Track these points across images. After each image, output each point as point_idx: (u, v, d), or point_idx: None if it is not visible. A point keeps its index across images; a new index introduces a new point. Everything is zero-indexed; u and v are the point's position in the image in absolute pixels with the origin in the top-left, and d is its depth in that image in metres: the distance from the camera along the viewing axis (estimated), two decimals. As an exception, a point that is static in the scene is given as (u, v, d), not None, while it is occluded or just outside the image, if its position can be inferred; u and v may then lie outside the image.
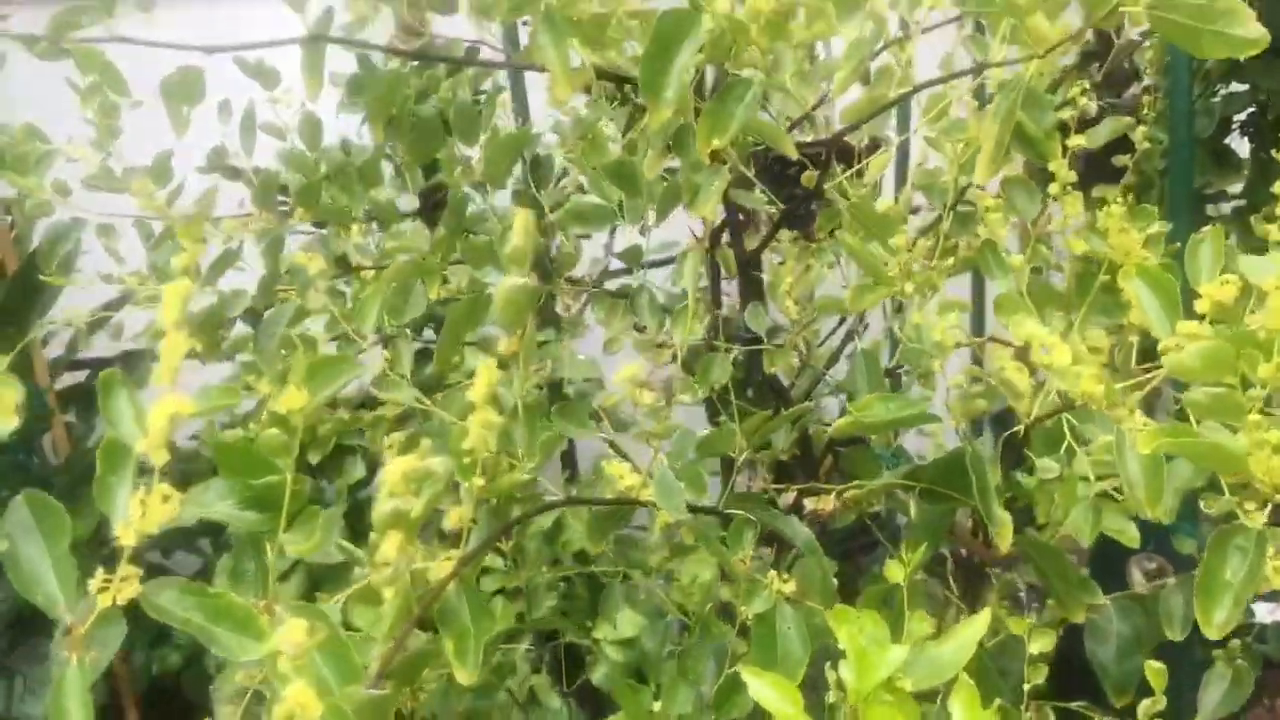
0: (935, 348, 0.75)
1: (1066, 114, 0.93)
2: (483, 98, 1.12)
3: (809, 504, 0.90)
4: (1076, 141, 0.91)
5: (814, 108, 1.03)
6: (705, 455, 0.88)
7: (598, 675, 1.29)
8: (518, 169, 1.16)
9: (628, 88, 0.98)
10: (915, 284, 0.83)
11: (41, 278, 1.08)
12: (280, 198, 1.03)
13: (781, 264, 1.17)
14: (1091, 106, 0.91)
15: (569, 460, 1.74)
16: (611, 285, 1.12)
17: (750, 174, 0.93)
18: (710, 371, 0.97)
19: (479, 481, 0.65)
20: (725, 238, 1.04)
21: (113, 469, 0.63)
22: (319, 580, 1.35)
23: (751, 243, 1.03)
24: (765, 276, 1.13)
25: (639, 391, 0.69)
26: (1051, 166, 0.86)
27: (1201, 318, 0.55)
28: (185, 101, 0.81)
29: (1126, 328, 0.78)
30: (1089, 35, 0.88)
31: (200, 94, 0.82)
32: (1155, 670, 0.77)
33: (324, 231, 1.01)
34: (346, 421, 1.05)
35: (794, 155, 0.86)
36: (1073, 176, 0.79)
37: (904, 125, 1.44)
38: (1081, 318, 0.78)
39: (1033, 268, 0.91)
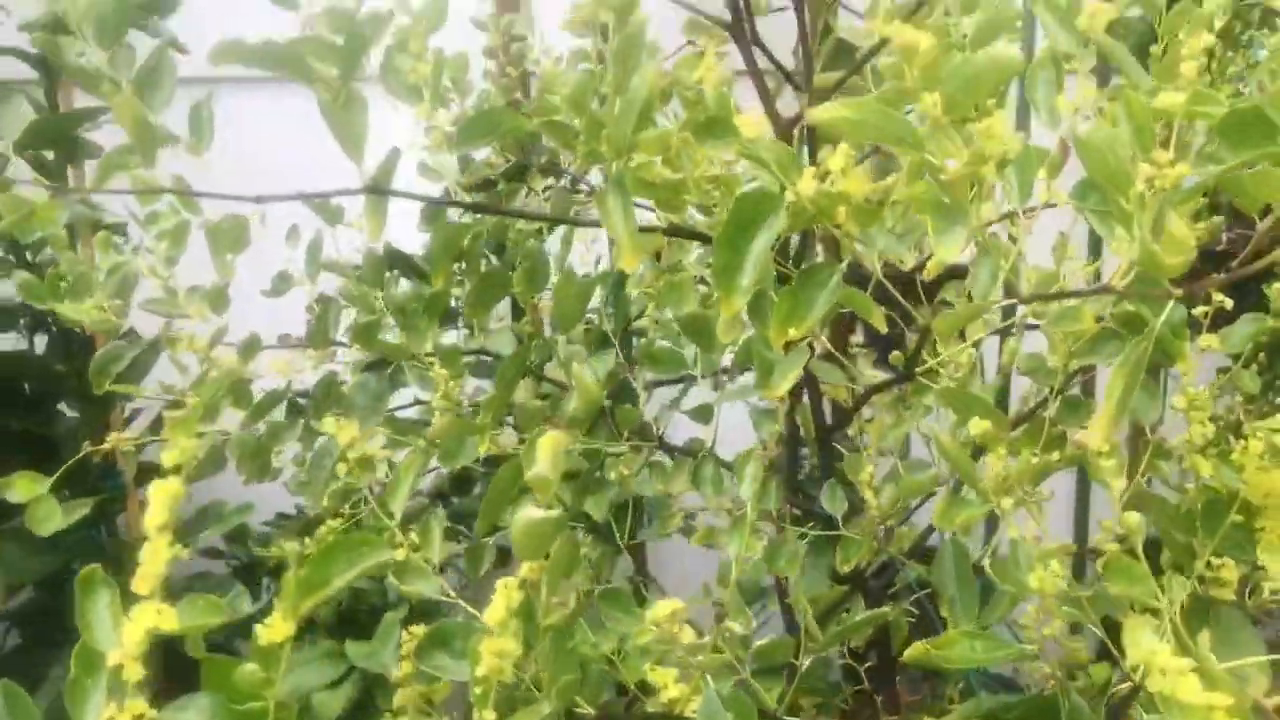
0: (1030, 588, 0.65)
1: (1199, 309, 0.83)
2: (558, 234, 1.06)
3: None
4: (1209, 341, 0.81)
5: (915, 270, 0.94)
6: (764, 664, 0.78)
7: None
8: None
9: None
10: (1013, 487, 0.73)
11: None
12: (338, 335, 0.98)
13: (870, 421, 1.08)
14: (1227, 302, 0.80)
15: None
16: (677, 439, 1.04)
17: (829, 347, 0.84)
18: (777, 560, 0.88)
19: (490, 716, 0.57)
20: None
21: (87, 673, 0.56)
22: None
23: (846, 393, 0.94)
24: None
25: (678, 629, 0.60)
26: (1179, 369, 0.76)
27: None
28: (231, 249, 0.77)
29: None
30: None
31: (246, 241, 0.77)
32: None
33: (373, 374, 0.95)
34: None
35: (884, 329, 0.78)
36: (1205, 395, 0.69)
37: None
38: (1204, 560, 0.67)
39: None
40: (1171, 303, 0.66)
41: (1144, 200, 0.49)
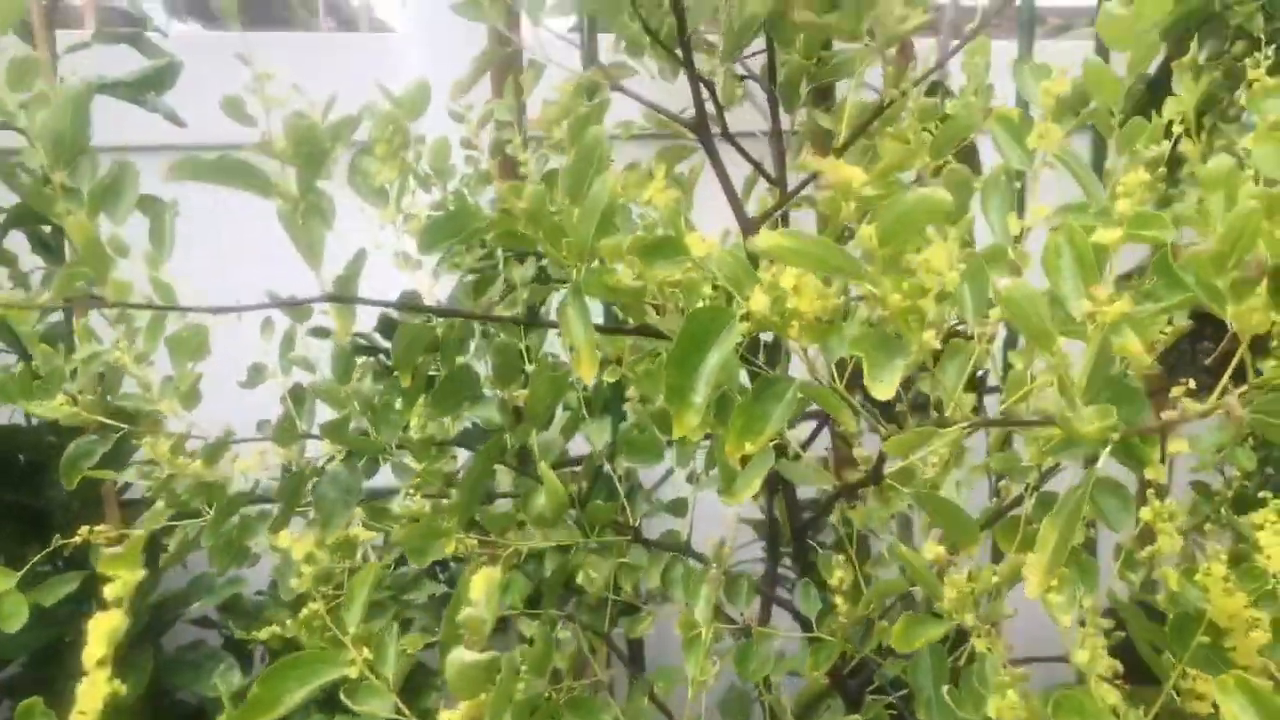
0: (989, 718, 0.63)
1: (1171, 413, 0.82)
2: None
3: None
4: (1179, 447, 0.80)
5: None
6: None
7: None
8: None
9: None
10: (979, 601, 0.72)
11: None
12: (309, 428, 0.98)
13: (853, 508, 1.07)
14: (1196, 407, 0.79)
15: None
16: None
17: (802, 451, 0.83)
18: (748, 663, 0.86)
19: None
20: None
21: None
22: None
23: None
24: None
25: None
26: (1149, 474, 0.75)
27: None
28: (192, 358, 0.77)
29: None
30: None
31: (206, 350, 0.77)
32: None
33: (340, 464, 0.94)
34: None
35: (854, 429, 0.77)
36: (1173, 507, 0.68)
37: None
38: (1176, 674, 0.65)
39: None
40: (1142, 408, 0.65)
41: (1091, 330, 0.49)
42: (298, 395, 1.05)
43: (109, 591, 0.63)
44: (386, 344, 1.45)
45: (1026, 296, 0.44)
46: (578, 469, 1.07)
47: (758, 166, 0.99)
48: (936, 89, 1.17)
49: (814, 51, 0.93)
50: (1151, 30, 0.57)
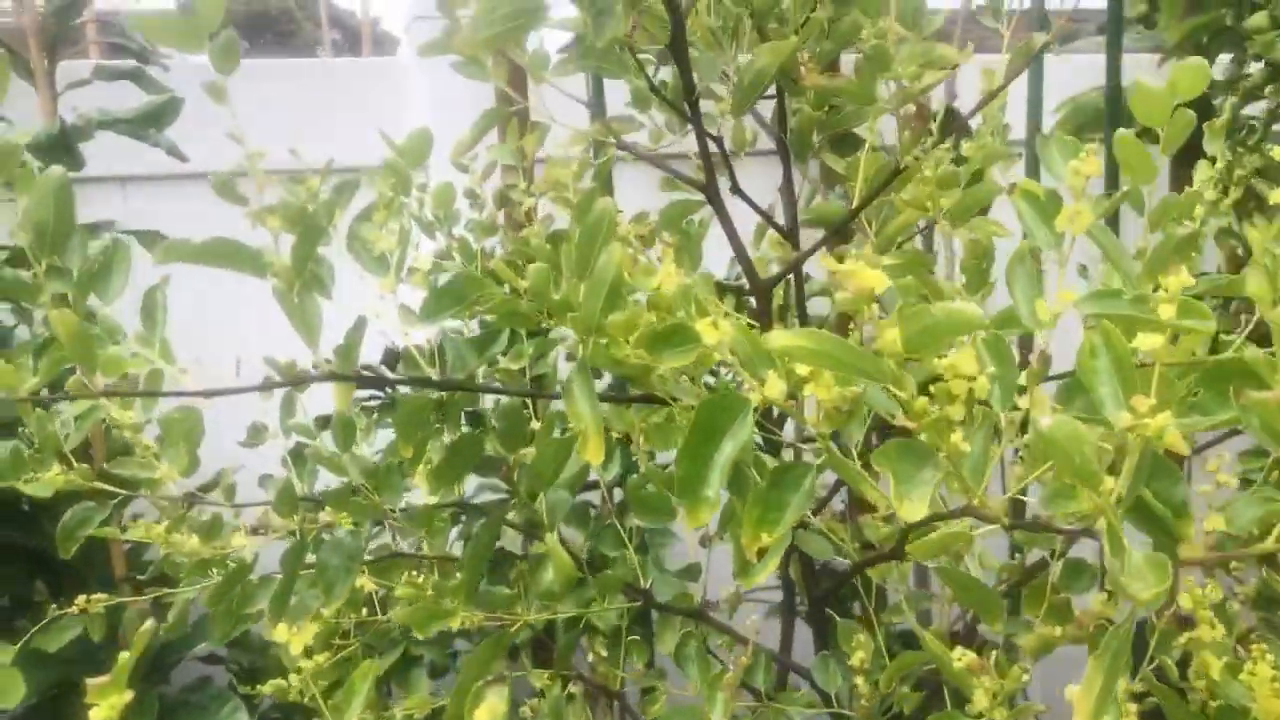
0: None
1: (1204, 487, 0.79)
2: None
3: None
4: (1215, 523, 0.76)
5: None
6: None
7: None
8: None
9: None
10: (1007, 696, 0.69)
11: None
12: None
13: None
14: (1233, 481, 0.76)
15: None
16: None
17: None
18: (765, 744, 0.83)
19: None
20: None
21: None
22: None
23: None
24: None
25: None
26: (1182, 554, 0.72)
27: None
28: (184, 441, 0.74)
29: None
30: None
31: (200, 433, 0.74)
32: None
33: (345, 532, 0.91)
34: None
35: (882, 505, 0.74)
36: (1217, 593, 0.65)
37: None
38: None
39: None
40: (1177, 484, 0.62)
41: (1131, 440, 0.46)
42: (298, 457, 1.03)
43: (94, 716, 0.61)
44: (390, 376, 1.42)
45: (1070, 435, 0.41)
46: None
47: (768, 219, 0.96)
48: (952, 116, 1.13)
49: (825, 102, 0.91)
50: (1186, 108, 0.54)
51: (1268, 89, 1.41)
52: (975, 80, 0.87)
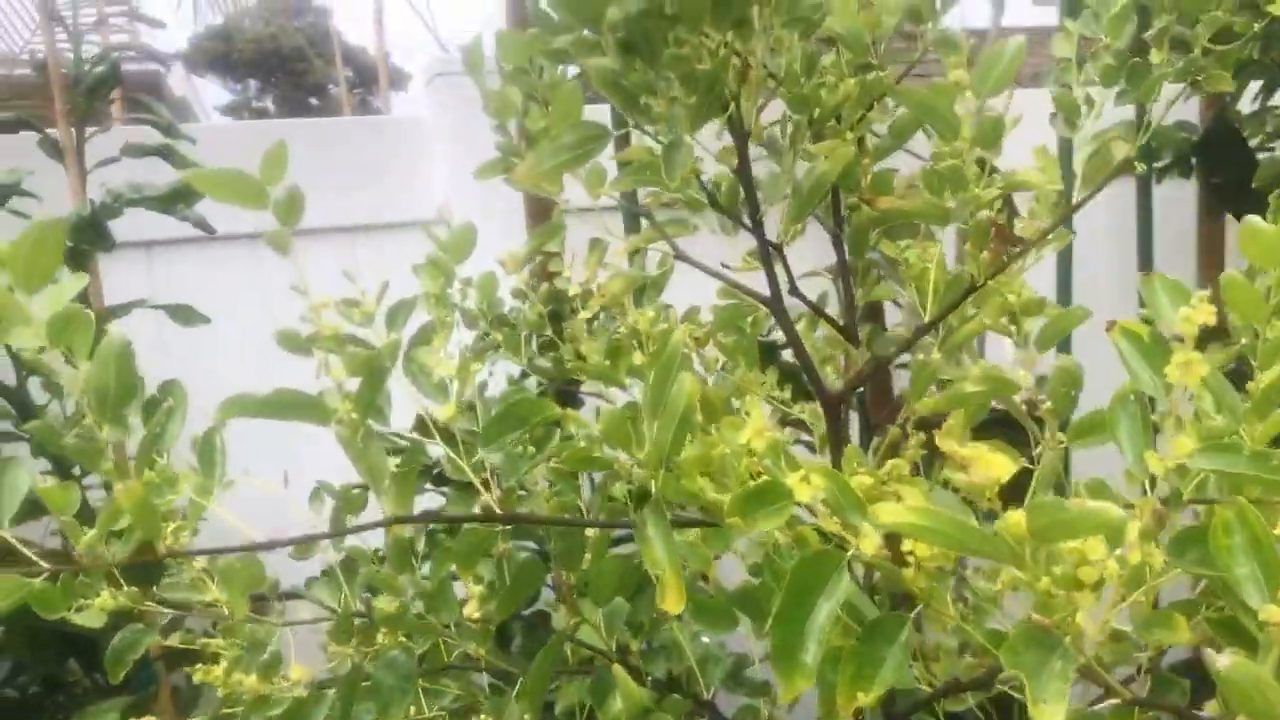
0: None
1: None
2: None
3: None
4: None
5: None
6: None
7: None
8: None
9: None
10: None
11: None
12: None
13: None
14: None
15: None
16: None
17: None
18: None
19: None
20: None
21: None
22: None
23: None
24: None
25: None
26: None
27: None
28: (245, 590, 0.72)
29: None
30: None
31: (261, 579, 0.72)
32: None
33: (400, 651, 0.89)
34: None
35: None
36: None
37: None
38: None
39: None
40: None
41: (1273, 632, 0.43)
42: (349, 568, 1.00)
43: None
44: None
45: (1252, 679, 0.38)
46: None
47: (829, 320, 0.94)
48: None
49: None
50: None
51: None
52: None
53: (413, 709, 0.94)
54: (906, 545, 0.57)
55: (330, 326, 0.65)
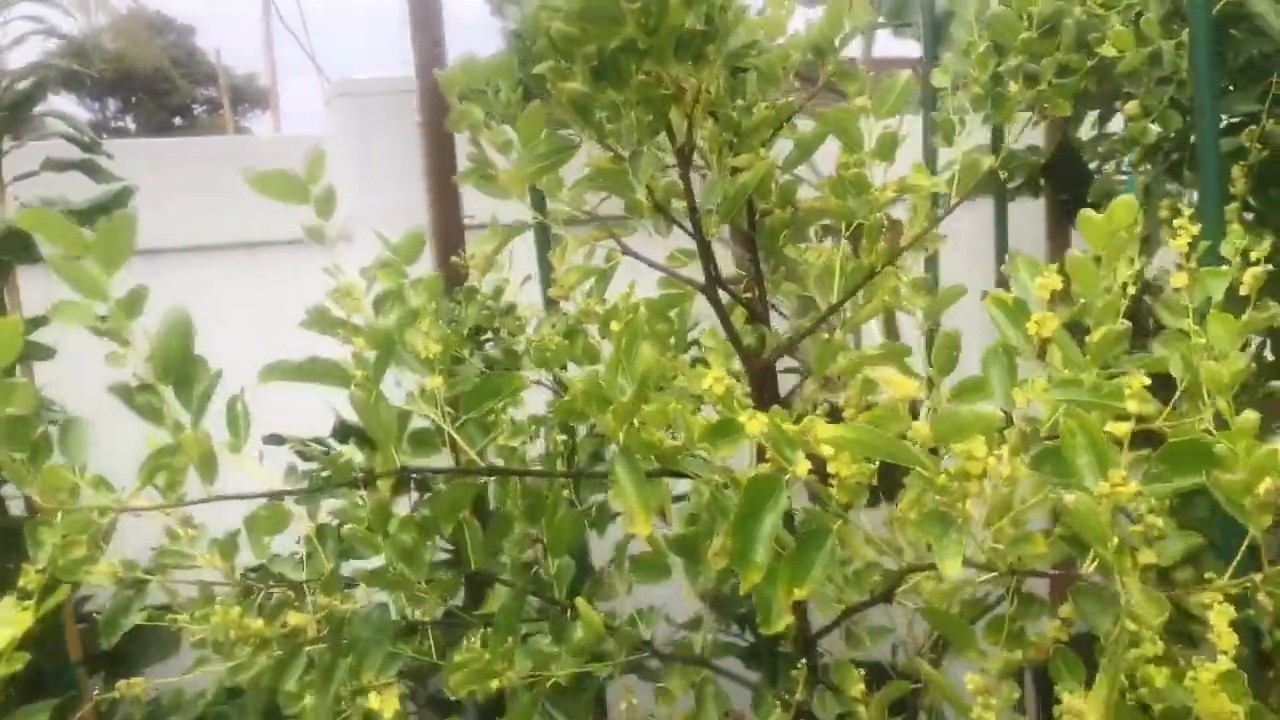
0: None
1: (1136, 530, 0.94)
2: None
3: None
4: (1147, 558, 0.92)
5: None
6: None
7: None
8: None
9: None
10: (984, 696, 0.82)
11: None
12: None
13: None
14: (1158, 523, 0.91)
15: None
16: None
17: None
18: (779, 771, 0.95)
19: None
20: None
21: None
22: None
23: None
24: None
25: None
26: (1124, 586, 0.86)
27: None
28: (268, 532, 0.83)
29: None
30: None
31: (285, 525, 0.83)
32: None
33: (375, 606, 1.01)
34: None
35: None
36: (1160, 611, 0.79)
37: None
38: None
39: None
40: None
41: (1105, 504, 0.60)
42: (322, 534, 1.11)
43: None
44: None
45: (1088, 509, 0.55)
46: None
47: (746, 305, 1.09)
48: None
49: (788, 203, 1.05)
50: (1125, 234, 0.70)
51: (1141, 167, 1.61)
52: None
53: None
54: (831, 468, 0.73)
55: (355, 304, 0.78)
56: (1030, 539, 0.85)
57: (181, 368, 0.71)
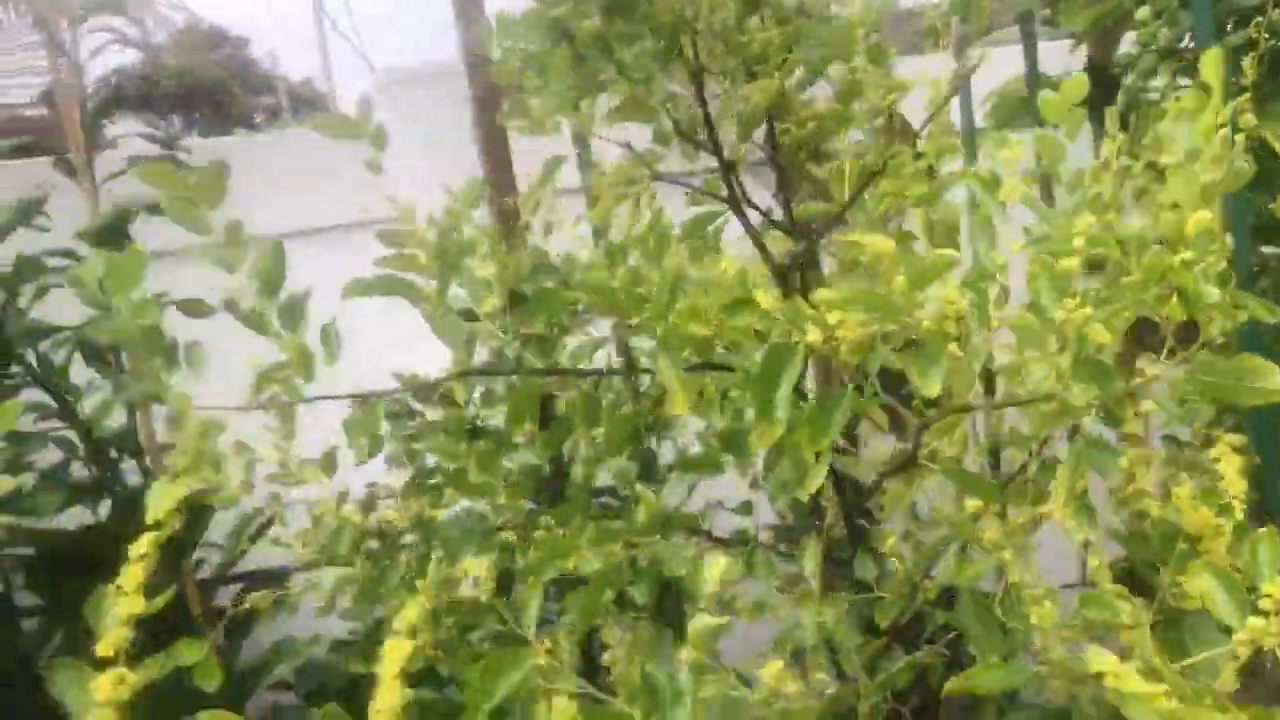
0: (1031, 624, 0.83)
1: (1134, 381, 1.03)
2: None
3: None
4: (1148, 406, 1.01)
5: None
6: (832, 710, 0.96)
7: None
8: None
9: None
10: (1010, 539, 0.92)
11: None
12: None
13: (884, 493, 1.27)
14: (1150, 372, 1.01)
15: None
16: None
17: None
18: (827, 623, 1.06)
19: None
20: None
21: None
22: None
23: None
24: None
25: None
26: (1127, 431, 0.96)
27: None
28: (364, 432, 0.97)
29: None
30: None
31: (379, 424, 0.97)
32: None
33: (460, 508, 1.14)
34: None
35: (885, 428, 0.98)
36: (1148, 453, 0.89)
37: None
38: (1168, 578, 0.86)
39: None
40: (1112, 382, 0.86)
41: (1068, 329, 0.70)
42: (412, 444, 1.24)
43: (399, 623, 0.83)
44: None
45: (1030, 323, 0.65)
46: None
47: (772, 220, 1.20)
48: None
49: (807, 123, 1.15)
50: (1078, 107, 0.79)
51: (1159, 68, 1.67)
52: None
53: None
54: (838, 333, 0.84)
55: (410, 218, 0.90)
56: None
57: (276, 284, 0.84)
